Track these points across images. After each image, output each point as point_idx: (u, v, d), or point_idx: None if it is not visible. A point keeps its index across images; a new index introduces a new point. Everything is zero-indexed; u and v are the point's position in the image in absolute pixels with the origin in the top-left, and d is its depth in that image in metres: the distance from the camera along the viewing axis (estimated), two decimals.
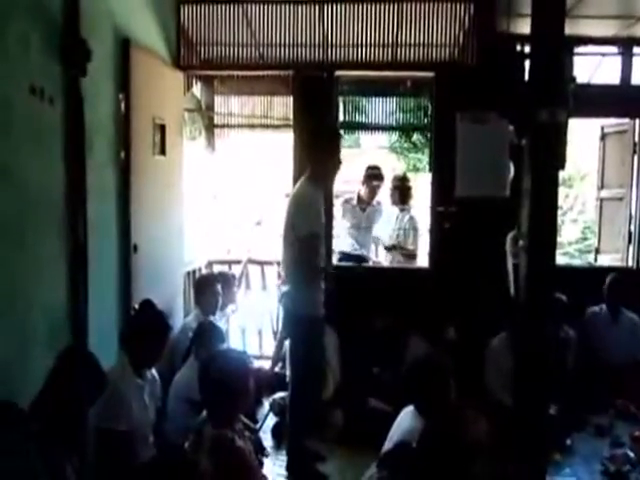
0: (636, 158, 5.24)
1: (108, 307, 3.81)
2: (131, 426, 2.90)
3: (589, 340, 4.66)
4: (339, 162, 3.69)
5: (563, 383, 3.81)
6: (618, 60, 5.14)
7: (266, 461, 3.65)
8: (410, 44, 4.99)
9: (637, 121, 5.23)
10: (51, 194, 3.19)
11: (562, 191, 10.62)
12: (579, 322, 4.70)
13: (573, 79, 4.84)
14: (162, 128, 4.51)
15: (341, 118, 5.47)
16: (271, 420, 4.38)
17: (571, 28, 3.26)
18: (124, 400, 2.92)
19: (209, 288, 4.60)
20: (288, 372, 4.14)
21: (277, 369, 4.85)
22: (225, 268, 5.81)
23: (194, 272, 5.50)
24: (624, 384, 4.27)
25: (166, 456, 2.88)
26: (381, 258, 5.85)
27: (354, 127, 5.96)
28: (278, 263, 5.24)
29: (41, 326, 3.04)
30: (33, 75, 3.01)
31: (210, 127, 6.11)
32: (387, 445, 2.95)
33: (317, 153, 3.64)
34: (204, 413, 2.58)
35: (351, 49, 5.04)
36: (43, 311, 3.10)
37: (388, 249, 5.60)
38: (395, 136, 9.38)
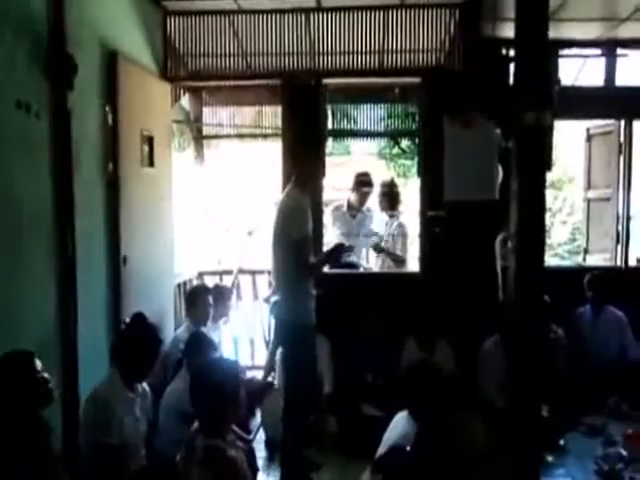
0: (622, 158, 5.27)
1: (98, 320, 3.79)
2: (123, 440, 2.88)
3: (578, 340, 4.67)
4: (323, 169, 3.69)
5: (554, 383, 3.82)
6: (602, 62, 5.20)
7: (260, 472, 3.64)
8: (397, 50, 5.02)
9: (622, 122, 5.27)
10: (39, 208, 3.19)
11: (551, 193, 10.66)
12: (568, 322, 4.72)
13: (558, 81, 4.91)
14: (150, 140, 4.50)
15: (330, 126, 5.48)
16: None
17: (555, 31, 3.29)
18: (115, 414, 2.90)
19: (200, 299, 4.58)
20: (277, 381, 4.14)
21: (270, 379, 4.83)
22: (216, 279, 5.79)
23: (185, 284, 5.48)
24: (616, 383, 4.29)
25: (156, 465, 2.86)
26: (372, 264, 5.85)
27: (343, 134, 5.98)
28: (269, 272, 5.23)
29: (30, 340, 3.01)
30: (19, 90, 3.01)
31: (199, 138, 6.12)
32: (381, 450, 2.96)
33: (301, 161, 3.65)
34: (195, 424, 2.57)
35: (339, 57, 5.07)
36: (32, 325, 3.08)
37: (375, 248, 5.57)
38: (384, 142, 9.41)
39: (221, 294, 4.90)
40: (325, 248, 5.16)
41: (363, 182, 5.61)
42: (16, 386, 2.36)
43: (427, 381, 3.02)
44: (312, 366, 3.70)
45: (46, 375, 2.45)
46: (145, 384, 3.24)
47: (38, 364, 2.44)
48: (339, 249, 3.79)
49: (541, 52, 2.57)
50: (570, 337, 4.62)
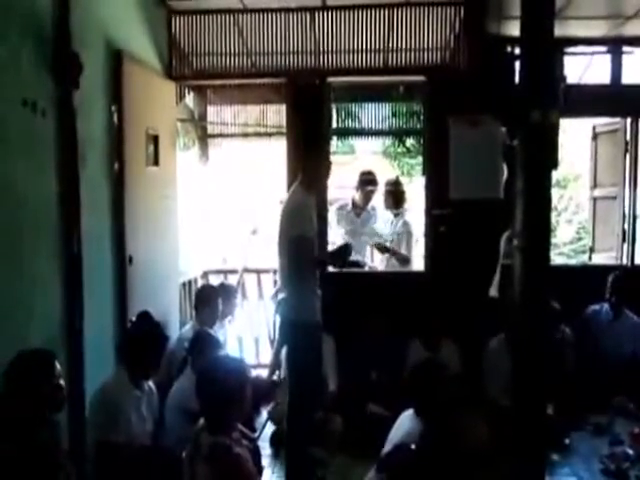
0: (628, 156, 5.25)
1: (104, 319, 3.80)
2: (129, 437, 2.89)
3: (589, 338, 4.63)
4: (329, 167, 3.69)
5: (561, 382, 3.81)
6: (608, 60, 5.18)
7: (265, 470, 3.64)
8: (401, 49, 5.01)
9: (628, 120, 5.24)
10: (45, 207, 3.19)
11: (556, 192, 10.64)
12: (577, 320, 4.69)
13: (564, 79, 4.90)
14: (155, 139, 4.51)
15: (334, 124, 5.48)
16: (269, 428, 4.36)
17: (560, 29, 3.29)
18: (122, 412, 2.92)
19: (210, 302, 4.54)
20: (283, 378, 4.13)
21: (275, 377, 4.83)
22: (221, 278, 5.79)
23: (190, 283, 5.48)
24: (622, 382, 4.27)
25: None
26: (377, 263, 5.85)
27: (348, 133, 5.98)
28: (274, 271, 5.24)
29: (37, 340, 3.03)
30: (25, 88, 3.02)
31: (204, 137, 6.12)
32: (386, 449, 2.96)
33: (307, 159, 3.65)
34: (201, 421, 2.57)
35: (343, 55, 5.06)
36: (39, 325, 3.09)
37: (379, 248, 5.56)
38: (389, 141, 9.39)
39: (227, 293, 4.90)
40: (330, 247, 5.17)
41: (367, 181, 5.61)
42: (33, 390, 2.36)
43: (432, 380, 3.02)
44: (317, 365, 3.70)
45: (62, 382, 2.45)
46: (151, 382, 3.25)
47: (58, 368, 2.45)
48: (344, 250, 3.77)
49: (547, 50, 2.56)
50: (580, 335, 4.58)
